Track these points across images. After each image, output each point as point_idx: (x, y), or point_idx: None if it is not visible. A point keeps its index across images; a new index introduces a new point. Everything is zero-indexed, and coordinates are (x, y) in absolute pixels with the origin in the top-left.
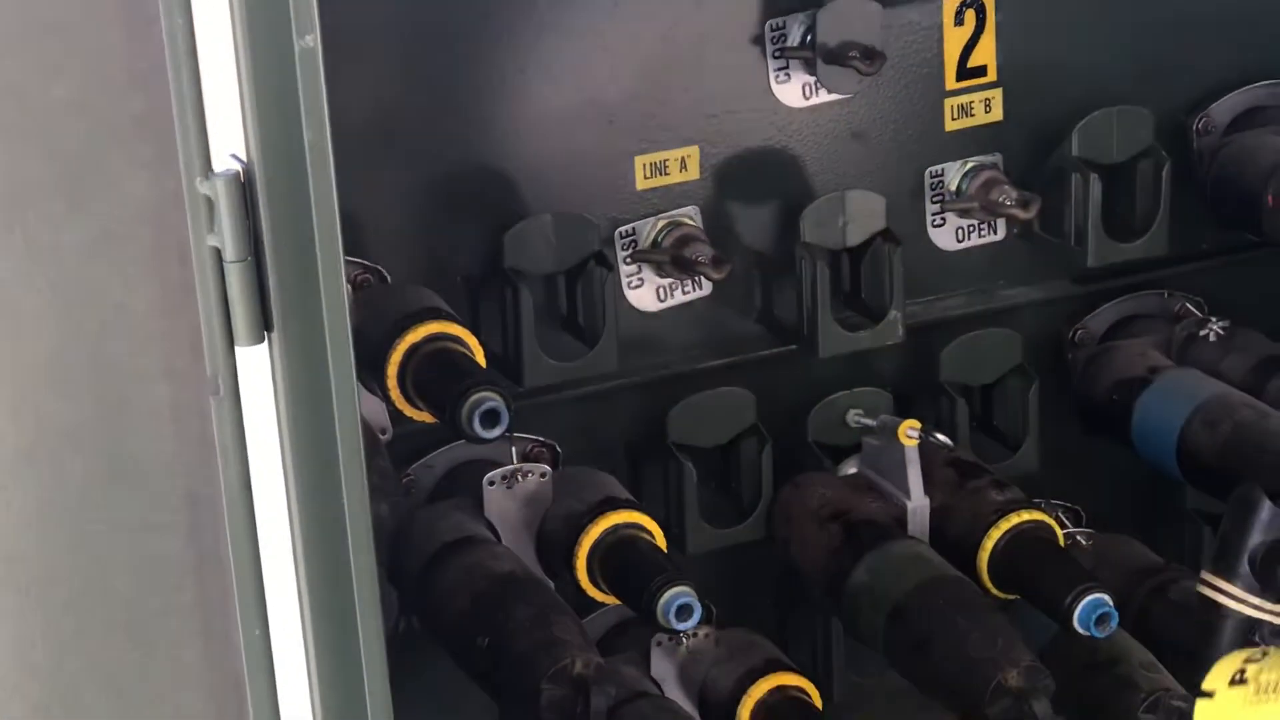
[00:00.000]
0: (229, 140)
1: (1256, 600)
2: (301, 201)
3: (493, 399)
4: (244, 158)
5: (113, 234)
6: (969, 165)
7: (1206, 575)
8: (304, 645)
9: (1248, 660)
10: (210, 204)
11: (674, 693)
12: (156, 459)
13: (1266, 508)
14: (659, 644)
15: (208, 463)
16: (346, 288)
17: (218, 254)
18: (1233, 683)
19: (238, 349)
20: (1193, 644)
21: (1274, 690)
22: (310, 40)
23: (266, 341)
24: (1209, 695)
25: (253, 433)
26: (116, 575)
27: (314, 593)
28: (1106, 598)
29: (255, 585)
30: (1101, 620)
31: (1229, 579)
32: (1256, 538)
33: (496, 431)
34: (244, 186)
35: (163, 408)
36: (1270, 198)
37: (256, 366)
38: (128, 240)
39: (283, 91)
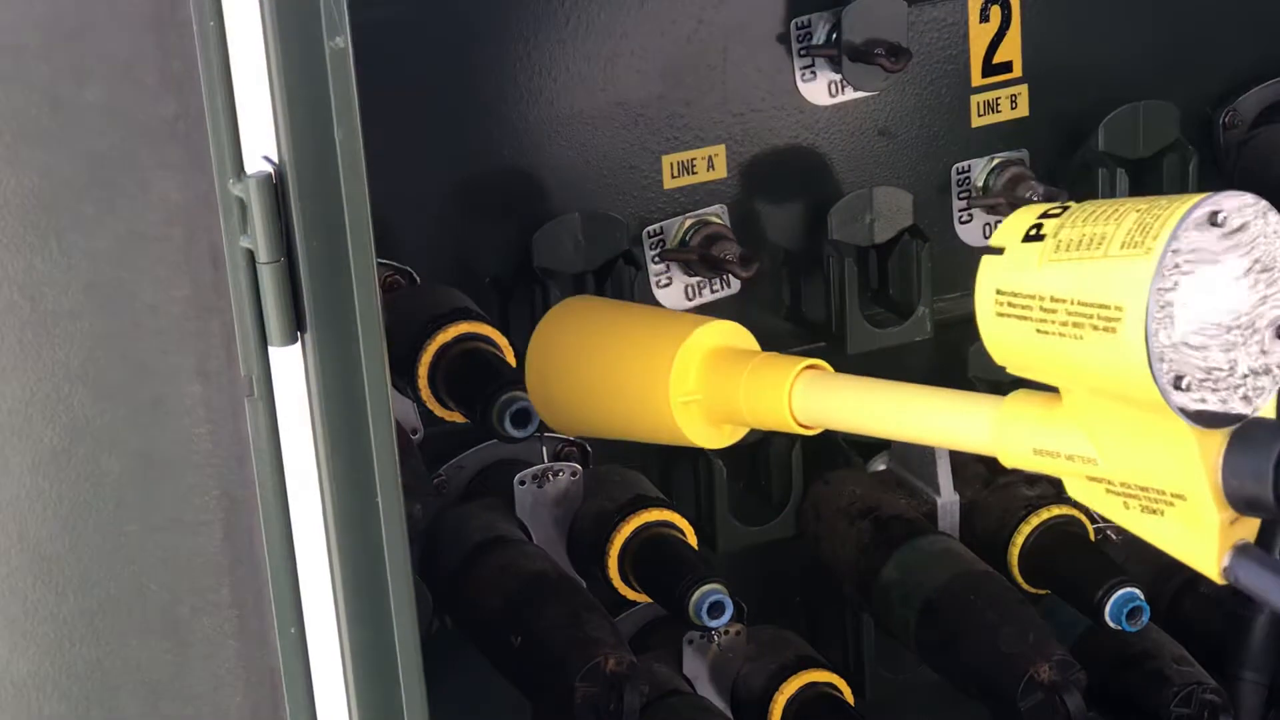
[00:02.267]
0: (261, 142)
1: None
2: (334, 202)
3: (523, 399)
4: (276, 159)
5: (145, 236)
6: (995, 161)
7: None
8: (340, 643)
9: (1045, 214)
10: (243, 205)
11: (706, 690)
12: (191, 459)
13: None
14: (690, 642)
15: (242, 463)
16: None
17: (250, 255)
18: (1027, 239)
19: (271, 350)
20: (1225, 638)
21: (1075, 248)
22: (341, 41)
23: (300, 342)
24: (998, 251)
25: (287, 433)
26: (152, 575)
27: (349, 591)
28: (1138, 591)
29: (291, 584)
30: (1133, 614)
31: None
32: None
33: (527, 431)
34: (276, 188)
35: (197, 408)
36: None
37: (290, 367)
38: (160, 242)
39: (314, 92)
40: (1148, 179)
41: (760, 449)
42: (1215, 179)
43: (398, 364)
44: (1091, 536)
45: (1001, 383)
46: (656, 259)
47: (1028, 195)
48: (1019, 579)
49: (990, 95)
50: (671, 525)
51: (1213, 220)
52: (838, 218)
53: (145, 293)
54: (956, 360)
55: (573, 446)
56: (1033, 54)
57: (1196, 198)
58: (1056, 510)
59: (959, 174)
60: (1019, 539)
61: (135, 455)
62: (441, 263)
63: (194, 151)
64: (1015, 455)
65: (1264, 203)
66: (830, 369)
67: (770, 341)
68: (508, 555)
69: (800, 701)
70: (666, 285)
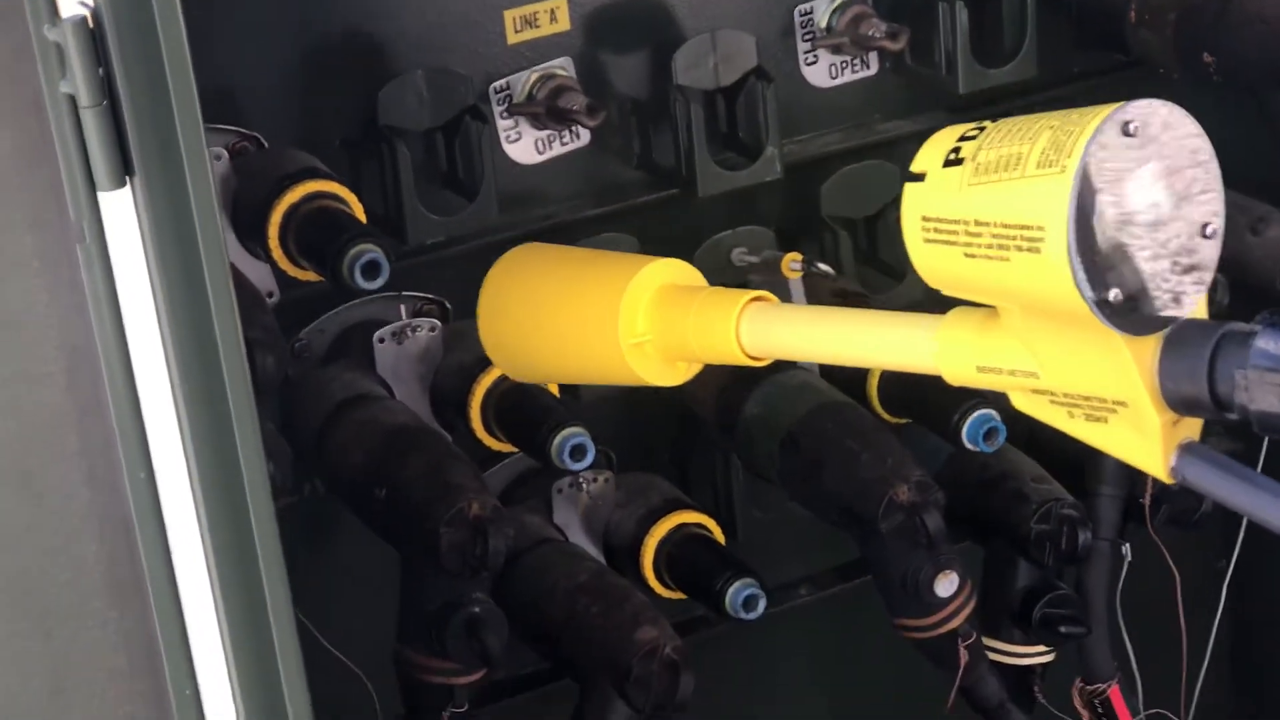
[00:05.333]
0: None
1: None
2: (152, 43)
3: (373, 250)
4: (91, 2)
5: None
6: (837, 1)
7: None
8: (190, 484)
9: (963, 137)
10: (60, 51)
11: (578, 538)
12: (30, 311)
13: None
14: (560, 491)
15: (81, 311)
16: (221, 152)
17: (72, 101)
18: (947, 163)
19: (100, 195)
20: (1080, 453)
21: (994, 170)
22: None
23: (129, 186)
24: (919, 178)
25: (123, 278)
26: (0, 429)
27: (196, 430)
28: (994, 413)
29: (137, 430)
30: (990, 435)
31: None
32: None
33: (378, 282)
34: (93, 31)
35: (30, 259)
36: (1133, 13)
37: (121, 212)
38: None
39: None
40: (988, 11)
41: None
42: (1057, 8)
43: (249, 227)
44: None
45: (854, 220)
46: (505, 114)
47: (870, 33)
48: (878, 408)
49: None
50: None
51: (1125, 130)
52: (681, 62)
53: None
54: (809, 200)
55: (432, 304)
56: None
57: (1107, 110)
58: None
59: (802, 15)
60: (877, 369)
61: None
62: (289, 127)
63: None
64: (960, 374)
65: (1173, 106)
66: (775, 299)
67: (623, 191)
68: (370, 411)
69: (672, 543)
70: (516, 140)
